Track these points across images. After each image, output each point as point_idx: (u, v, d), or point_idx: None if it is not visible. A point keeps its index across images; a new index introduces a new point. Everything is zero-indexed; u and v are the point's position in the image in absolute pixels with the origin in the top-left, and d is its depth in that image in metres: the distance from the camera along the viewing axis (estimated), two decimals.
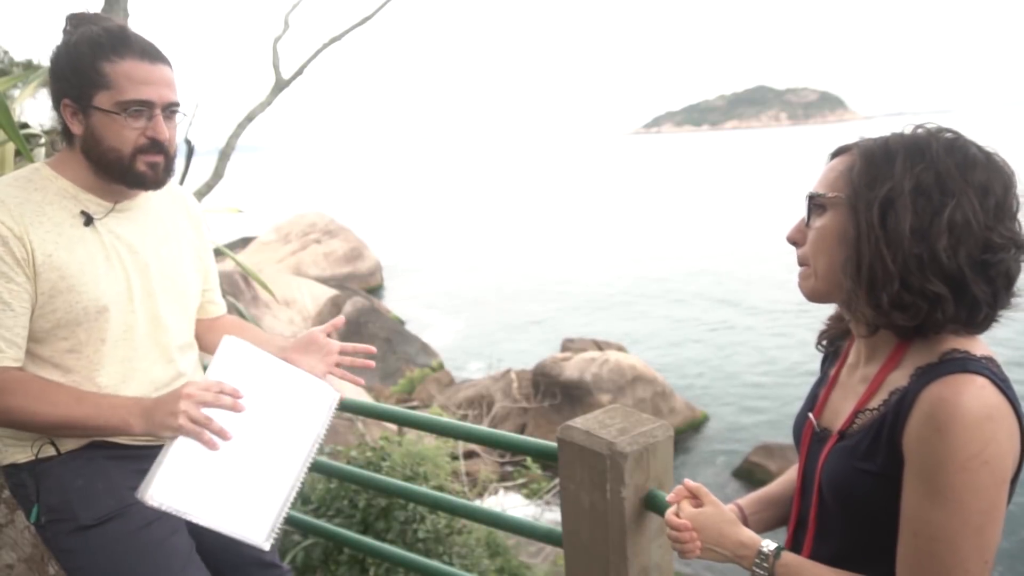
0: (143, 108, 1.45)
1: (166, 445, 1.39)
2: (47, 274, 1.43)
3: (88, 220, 1.49)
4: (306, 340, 1.72)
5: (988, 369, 0.95)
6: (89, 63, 1.42)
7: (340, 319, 1.78)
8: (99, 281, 1.48)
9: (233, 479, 1.45)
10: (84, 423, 1.43)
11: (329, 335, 1.74)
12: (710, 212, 40.91)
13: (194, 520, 1.41)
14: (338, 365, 1.71)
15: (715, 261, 26.66)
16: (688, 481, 1.23)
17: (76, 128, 1.46)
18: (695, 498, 1.21)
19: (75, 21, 1.49)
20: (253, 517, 1.47)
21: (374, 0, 4.58)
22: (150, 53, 1.47)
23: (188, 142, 3.45)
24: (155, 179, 1.51)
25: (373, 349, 1.76)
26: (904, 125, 1.05)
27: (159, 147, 1.48)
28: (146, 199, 1.63)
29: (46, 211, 1.46)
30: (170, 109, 1.50)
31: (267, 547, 1.47)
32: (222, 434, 1.40)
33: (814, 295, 1.12)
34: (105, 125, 1.44)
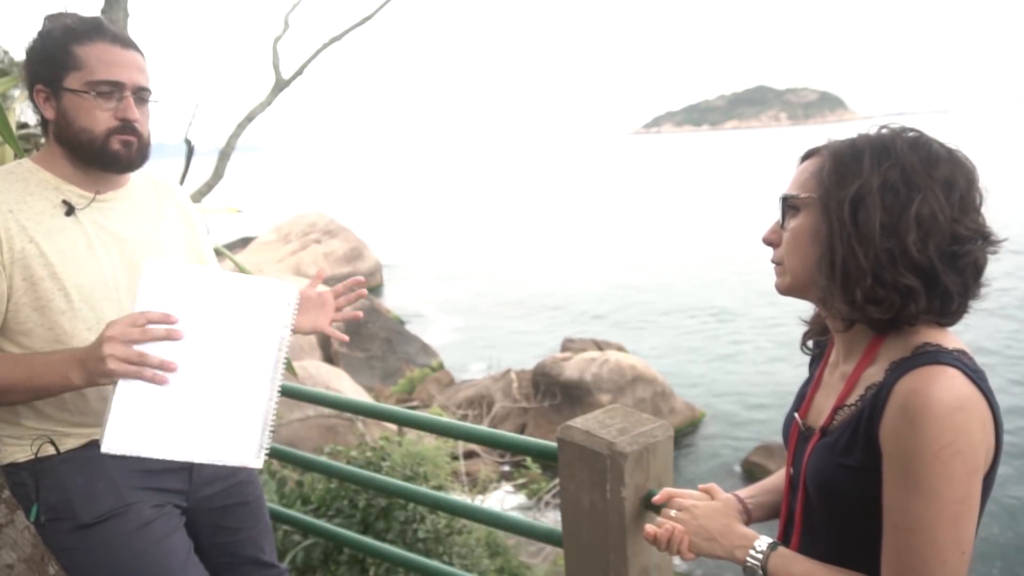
0: (113, 89, 1.46)
1: (111, 391, 1.32)
2: (26, 261, 1.43)
3: (70, 210, 1.50)
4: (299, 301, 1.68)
5: (960, 361, 0.97)
6: (61, 46, 1.44)
7: (322, 271, 1.70)
8: (80, 270, 1.49)
9: (198, 407, 1.37)
10: (25, 385, 1.38)
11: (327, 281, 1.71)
12: (711, 213, 40.90)
13: (165, 458, 1.35)
14: (337, 309, 1.69)
15: (716, 261, 26.66)
16: (701, 485, 1.27)
17: (48, 112, 1.48)
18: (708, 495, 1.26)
19: (52, 17, 1.51)
20: (234, 439, 1.40)
21: (374, 0, 4.58)
22: (121, 39, 1.49)
23: (188, 142, 3.45)
24: (128, 158, 1.51)
25: (362, 279, 1.72)
26: (869, 127, 1.08)
27: (131, 128, 1.49)
28: (131, 191, 1.63)
29: (27, 200, 1.47)
30: (140, 94, 1.51)
31: (259, 464, 1.41)
32: (164, 366, 1.32)
33: (788, 292, 1.15)
34: (76, 106, 1.45)
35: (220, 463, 1.40)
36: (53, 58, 1.45)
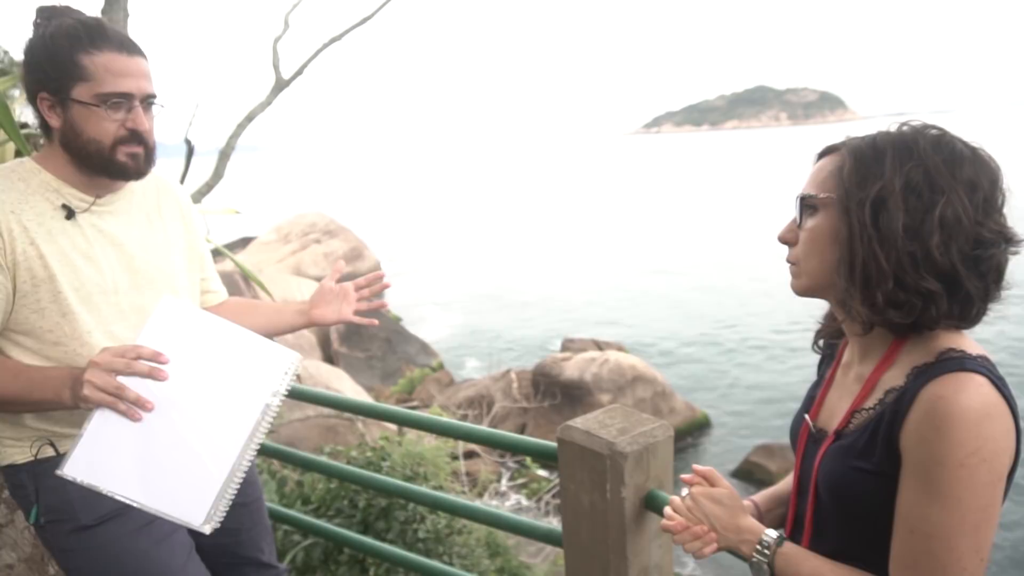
0: (122, 100, 1.45)
1: (88, 416, 1.33)
2: (27, 263, 1.43)
3: (70, 214, 1.49)
4: (319, 293, 1.81)
5: (985, 368, 0.96)
6: (67, 55, 1.41)
7: (340, 264, 1.83)
8: (79, 273, 1.48)
9: (163, 455, 1.35)
10: (22, 398, 1.40)
11: (338, 281, 1.82)
12: (711, 212, 40.90)
13: (119, 498, 1.33)
14: (360, 300, 1.81)
15: (716, 261, 26.66)
16: (697, 467, 1.21)
17: (54, 121, 1.46)
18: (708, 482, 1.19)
19: (46, 13, 1.48)
20: (188, 496, 1.36)
21: (374, 0, 4.58)
22: (127, 45, 1.47)
23: (188, 142, 3.45)
24: (136, 169, 1.52)
25: (382, 273, 1.84)
26: (890, 123, 1.05)
27: (139, 138, 1.49)
28: (130, 193, 1.63)
29: (29, 200, 1.46)
30: (148, 100, 1.51)
31: (207, 531, 1.38)
32: (140, 403, 1.33)
33: (805, 293, 1.13)
34: (84, 117, 1.44)
35: (167, 517, 1.36)
36: (59, 68, 1.42)
